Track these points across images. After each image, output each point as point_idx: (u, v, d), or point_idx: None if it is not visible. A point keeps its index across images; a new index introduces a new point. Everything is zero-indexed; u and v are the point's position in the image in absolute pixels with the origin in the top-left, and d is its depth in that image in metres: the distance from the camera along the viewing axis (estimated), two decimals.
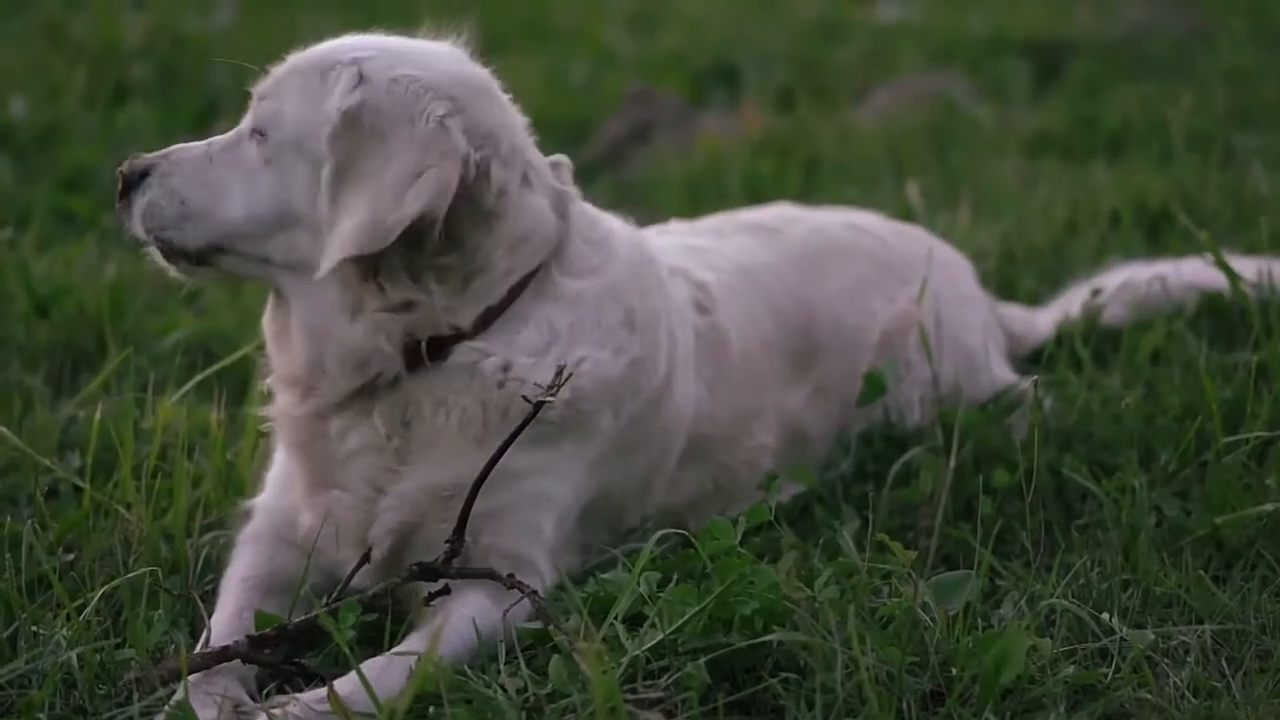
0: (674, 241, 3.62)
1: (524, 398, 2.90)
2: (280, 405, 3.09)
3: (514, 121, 3.07)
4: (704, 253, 3.60)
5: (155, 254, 3.08)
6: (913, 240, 4.04)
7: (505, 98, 3.09)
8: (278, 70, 3.03)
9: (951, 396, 3.67)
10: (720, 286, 3.48)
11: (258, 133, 3.00)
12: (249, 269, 3.05)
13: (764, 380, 3.53)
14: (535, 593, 2.87)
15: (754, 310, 3.56)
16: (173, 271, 3.09)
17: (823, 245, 3.83)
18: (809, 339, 3.67)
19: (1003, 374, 3.93)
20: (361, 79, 2.91)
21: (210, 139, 3.08)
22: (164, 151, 3.07)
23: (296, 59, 3.02)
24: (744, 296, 3.55)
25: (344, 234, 2.84)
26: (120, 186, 3.05)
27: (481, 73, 3.07)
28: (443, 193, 2.85)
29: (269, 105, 3.00)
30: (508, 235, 2.98)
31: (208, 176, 3.02)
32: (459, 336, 2.98)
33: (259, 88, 3.04)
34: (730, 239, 3.74)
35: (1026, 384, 3.77)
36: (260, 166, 2.98)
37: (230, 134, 3.06)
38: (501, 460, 2.88)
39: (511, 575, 2.88)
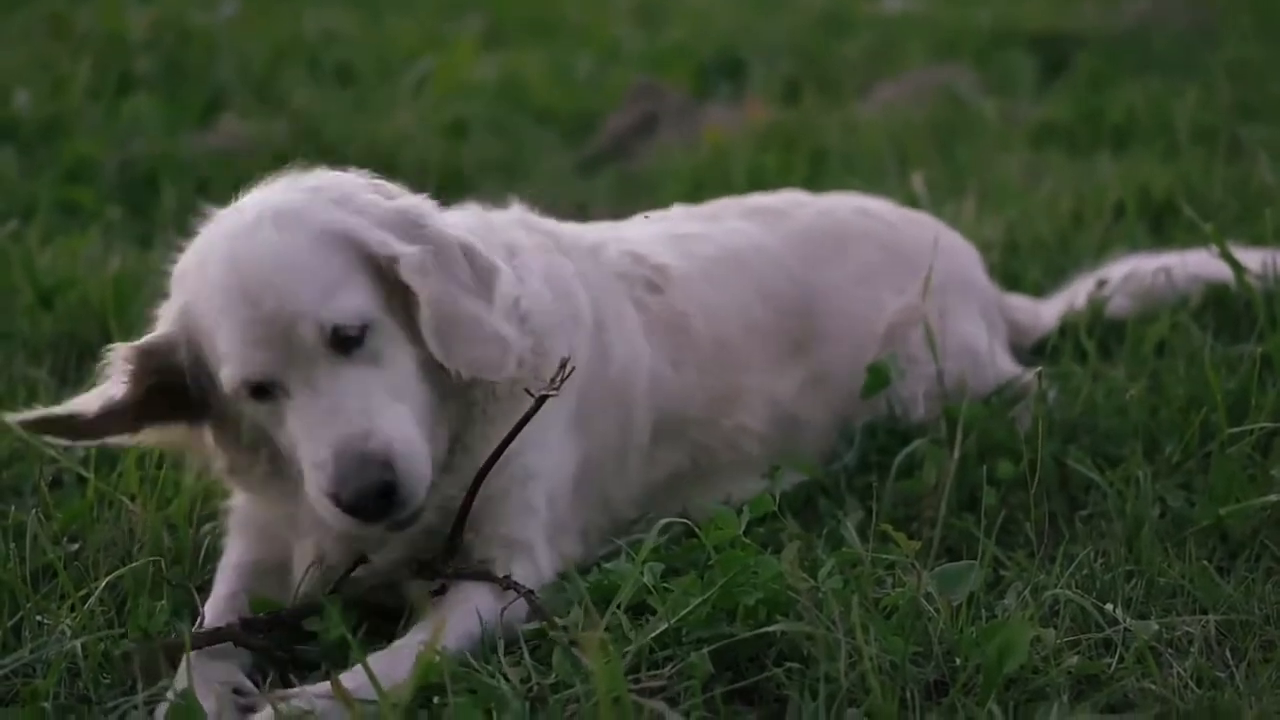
0: (658, 229, 3.67)
1: (526, 390, 2.90)
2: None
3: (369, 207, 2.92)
4: (687, 240, 3.63)
5: None
6: (921, 226, 4.02)
7: (353, 188, 2.96)
8: None
9: (957, 390, 3.66)
10: (689, 271, 3.52)
11: None
12: None
13: (744, 362, 3.54)
14: (531, 592, 2.88)
15: (737, 293, 3.58)
16: None
17: (830, 229, 3.84)
18: (806, 322, 3.67)
19: (1007, 365, 3.93)
20: None
21: None
22: None
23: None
24: (724, 280, 3.58)
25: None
26: None
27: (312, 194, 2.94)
28: None
29: None
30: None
31: None
32: None
33: None
34: (725, 223, 3.76)
35: (1031, 375, 3.76)
36: None
37: None
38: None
39: (508, 577, 2.89)
